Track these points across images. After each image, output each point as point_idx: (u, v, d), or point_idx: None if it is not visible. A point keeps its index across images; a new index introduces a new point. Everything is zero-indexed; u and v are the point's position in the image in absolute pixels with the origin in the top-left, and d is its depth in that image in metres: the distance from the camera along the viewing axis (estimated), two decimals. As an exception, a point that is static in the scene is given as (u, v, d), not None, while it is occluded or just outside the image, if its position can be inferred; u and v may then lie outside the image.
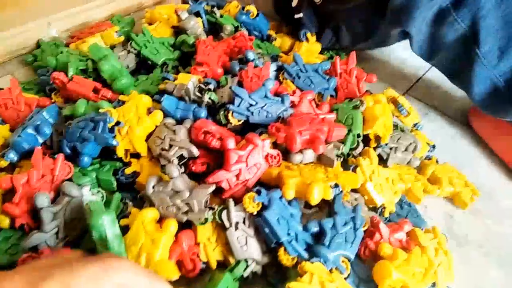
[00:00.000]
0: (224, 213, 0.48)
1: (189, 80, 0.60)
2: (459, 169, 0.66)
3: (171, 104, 0.58)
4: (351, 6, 0.75)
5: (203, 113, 0.57)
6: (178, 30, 0.79)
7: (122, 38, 0.74)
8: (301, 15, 0.80)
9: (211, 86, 0.61)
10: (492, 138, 0.73)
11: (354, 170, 0.56)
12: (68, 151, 0.54)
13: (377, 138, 0.60)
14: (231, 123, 0.57)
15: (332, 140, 0.56)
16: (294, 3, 0.81)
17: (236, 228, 0.48)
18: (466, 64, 0.65)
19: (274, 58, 0.76)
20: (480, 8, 0.60)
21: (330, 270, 0.46)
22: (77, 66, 0.64)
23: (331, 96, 0.68)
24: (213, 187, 0.49)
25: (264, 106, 0.57)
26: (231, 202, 0.48)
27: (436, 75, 0.88)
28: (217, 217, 0.48)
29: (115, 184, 0.54)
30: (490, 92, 0.65)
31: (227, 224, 0.48)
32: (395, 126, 0.65)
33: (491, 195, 0.65)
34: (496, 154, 0.71)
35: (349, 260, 0.48)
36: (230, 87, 0.57)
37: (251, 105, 0.57)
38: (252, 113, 0.57)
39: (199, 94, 0.59)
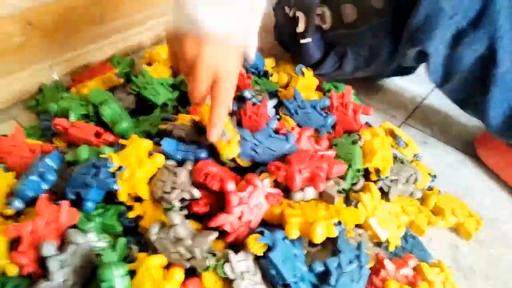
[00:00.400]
0: (227, 266, 0.48)
1: (188, 121, 0.61)
2: (460, 198, 0.67)
3: (171, 146, 0.59)
4: (365, 28, 0.75)
5: (203, 154, 0.58)
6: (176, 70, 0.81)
7: (122, 80, 0.75)
8: (309, 40, 0.81)
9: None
10: (501, 167, 0.73)
11: (356, 206, 0.57)
12: (72, 197, 0.55)
13: (377, 171, 0.61)
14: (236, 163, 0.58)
15: (332, 176, 0.57)
16: (300, 29, 0.81)
17: (243, 278, 0.48)
18: (482, 87, 0.66)
19: (273, 94, 0.78)
20: (497, 29, 0.61)
21: (338, 311, 0.46)
22: (78, 111, 0.65)
23: (328, 132, 0.69)
24: (215, 234, 0.50)
25: (269, 145, 0.58)
26: (231, 254, 0.48)
27: (434, 103, 0.90)
28: (219, 271, 0.48)
29: (119, 228, 0.54)
30: (507, 115, 0.66)
31: (231, 276, 0.47)
32: (395, 158, 0.65)
33: (494, 223, 0.65)
34: (504, 182, 0.72)
35: (356, 299, 0.47)
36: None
37: (255, 145, 0.58)
38: (257, 152, 0.58)
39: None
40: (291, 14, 0.82)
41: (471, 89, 0.68)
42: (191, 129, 0.61)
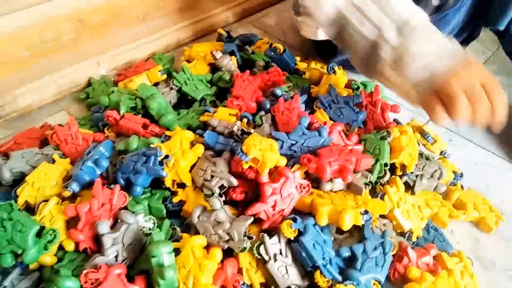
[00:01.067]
0: (261, 248, 0.53)
1: (233, 122, 0.67)
2: (484, 195, 0.69)
3: (212, 139, 0.64)
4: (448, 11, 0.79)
5: (239, 147, 0.63)
6: (214, 66, 0.86)
7: (165, 76, 0.81)
8: None
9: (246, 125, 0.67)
10: None
11: (382, 198, 0.61)
12: (122, 182, 0.61)
13: (403, 167, 0.64)
14: None
15: (360, 169, 0.61)
16: None
17: (275, 259, 0.52)
18: None
19: (306, 90, 0.82)
20: None
21: (363, 292, 0.50)
22: (127, 105, 0.72)
23: (359, 127, 0.73)
24: (251, 219, 0.55)
25: (304, 142, 0.62)
26: (266, 237, 0.53)
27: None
28: (255, 252, 0.53)
29: (164, 211, 0.60)
30: None
31: (266, 257, 0.52)
32: (421, 155, 0.68)
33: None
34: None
35: (379, 283, 0.52)
36: (270, 134, 0.63)
37: (292, 144, 0.62)
38: (295, 151, 0.62)
39: (239, 135, 0.65)
40: None
41: None
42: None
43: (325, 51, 0.94)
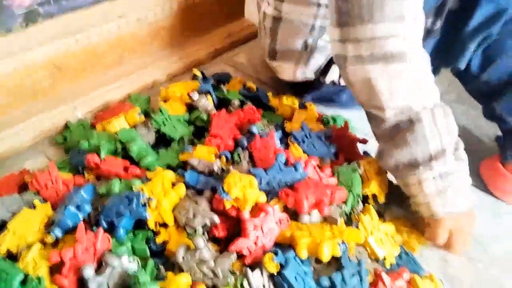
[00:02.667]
0: (245, 283, 0.55)
1: (212, 160, 0.70)
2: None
3: (193, 178, 0.67)
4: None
5: (221, 185, 0.65)
6: (191, 106, 0.89)
7: (143, 118, 0.84)
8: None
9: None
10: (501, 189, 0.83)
11: (357, 227, 0.64)
12: (105, 225, 0.62)
13: (374, 197, 0.69)
14: None
15: (335, 201, 0.64)
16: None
17: (259, 293, 0.55)
18: None
19: (280, 126, 0.86)
20: None
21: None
22: (108, 148, 0.73)
23: (331, 160, 0.77)
24: (234, 256, 0.57)
25: (281, 177, 0.66)
26: (249, 272, 0.55)
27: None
28: (239, 287, 0.55)
29: (148, 252, 0.62)
30: None
31: None
32: (391, 184, 0.73)
33: (480, 241, 0.72)
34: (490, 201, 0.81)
35: (359, 309, 0.55)
36: (249, 170, 0.66)
37: (270, 180, 0.66)
38: (273, 186, 0.65)
39: (219, 174, 0.68)
40: None
41: None
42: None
43: (300, 88, 0.99)
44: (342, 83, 0.90)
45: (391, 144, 0.65)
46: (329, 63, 0.91)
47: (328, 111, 0.94)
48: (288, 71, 0.95)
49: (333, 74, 0.93)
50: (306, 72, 0.93)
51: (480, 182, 0.86)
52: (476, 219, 0.69)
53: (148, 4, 1.01)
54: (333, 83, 0.94)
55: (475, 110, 1.04)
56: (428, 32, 0.83)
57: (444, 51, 0.86)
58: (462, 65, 0.83)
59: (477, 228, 0.74)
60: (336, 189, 0.64)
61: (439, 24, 0.82)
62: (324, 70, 0.93)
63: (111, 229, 0.62)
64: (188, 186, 0.67)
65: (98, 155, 0.72)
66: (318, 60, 0.91)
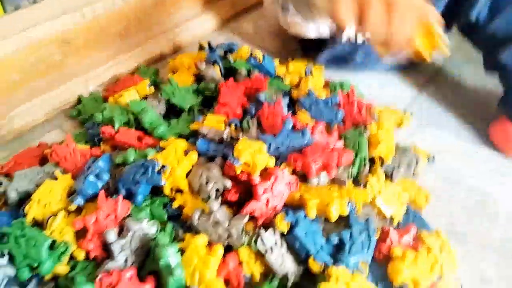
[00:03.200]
0: (259, 242, 0.58)
1: (222, 128, 0.73)
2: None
3: (204, 146, 0.69)
4: None
5: (232, 153, 0.68)
6: (199, 76, 0.91)
7: (153, 89, 0.86)
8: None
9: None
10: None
11: (364, 187, 0.67)
12: (124, 192, 0.65)
13: (381, 160, 0.71)
14: None
15: (342, 164, 0.67)
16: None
17: (272, 251, 0.58)
18: None
19: (287, 93, 0.87)
20: None
21: (352, 272, 0.56)
22: (121, 120, 0.76)
23: (338, 125, 0.79)
24: (247, 217, 0.60)
25: (289, 143, 0.68)
26: (262, 232, 0.58)
27: (430, 93, 0.99)
28: (253, 246, 0.58)
29: (166, 216, 0.65)
30: None
31: (263, 250, 0.57)
32: (397, 147, 0.75)
33: (486, 199, 0.75)
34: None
35: (366, 263, 0.58)
36: (258, 137, 0.69)
37: (278, 146, 0.68)
38: (281, 152, 0.67)
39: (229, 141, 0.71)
40: None
41: None
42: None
43: (310, 49, 0.99)
44: (359, 40, 0.90)
45: None
46: None
47: (337, 76, 0.95)
48: (301, 26, 0.94)
49: (350, 30, 0.92)
50: (320, 27, 0.92)
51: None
52: None
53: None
54: (348, 40, 0.93)
55: (482, 70, 1.05)
56: None
57: (456, 6, 0.86)
58: (472, 17, 0.84)
59: (483, 189, 0.76)
60: (343, 152, 0.66)
61: None
62: None
63: (129, 196, 0.65)
64: (200, 154, 0.70)
65: (112, 126, 0.75)
66: None
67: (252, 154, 0.63)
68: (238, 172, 0.63)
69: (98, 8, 0.93)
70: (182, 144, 0.70)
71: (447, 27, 0.95)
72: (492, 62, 0.87)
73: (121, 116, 0.76)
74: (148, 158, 0.67)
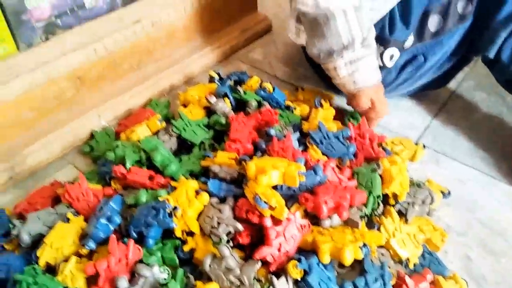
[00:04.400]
0: None
1: (234, 166, 0.72)
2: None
3: (216, 186, 0.69)
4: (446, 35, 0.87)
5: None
6: (209, 109, 0.91)
7: (164, 124, 0.86)
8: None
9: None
10: None
11: (378, 229, 0.65)
12: (135, 235, 0.65)
13: (395, 196, 0.69)
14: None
15: (355, 205, 0.65)
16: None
17: (285, 299, 0.57)
18: None
19: (297, 126, 0.87)
20: None
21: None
22: (133, 159, 0.76)
23: (350, 160, 0.78)
24: (259, 264, 0.59)
25: (303, 182, 0.66)
26: (275, 279, 0.57)
27: (443, 121, 0.97)
28: None
29: (177, 260, 0.64)
30: None
31: None
32: (411, 182, 0.74)
33: (504, 233, 0.72)
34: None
35: (382, 312, 0.56)
36: None
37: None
38: (294, 190, 0.66)
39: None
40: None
41: None
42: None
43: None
44: (379, 62, 0.90)
45: (313, 36, 0.80)
46: None
47: (343, 102, 0.94)
48: None
49: None
50: None
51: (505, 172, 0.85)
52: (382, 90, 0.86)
53: (162, 6, 1.02)
54: None
55: (495, 97, 1.03)
56: (460, 18, 0.83)
57: (474, 39, 0.86)
58: (491, 54, 0.83)
59: (499, 221, 0.74)
60: (356, 193, 0.65)
61: (470, 8, 0.82)
62: None
63: (140, 239, 0.65)
64: (211, 194, 0.69)
65: (124, 165, 0.75)
66: None
67: (277, 196, 0.62)
68: (267, 214, 0.62)
69: (109, 43, 0.93)
70: (193, 184, 0.69)
71: (466, 58, 0.93)
72: None
73: (133, 155, 0.77)
74: (160, 199, 0.67)
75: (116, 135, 0.89)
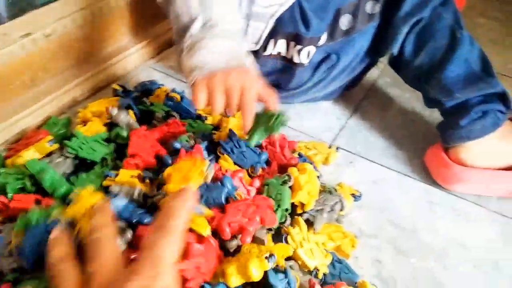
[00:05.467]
0: None
1: (134, 187, 0.65)
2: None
3: (119, 207, 0.61)
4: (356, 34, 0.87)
5: (146, 219, 0.60)
6: (112, 124, 0.84)
7: (56, 146, 0.77)
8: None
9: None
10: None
11: (285, 240, 0.62)
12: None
13: (303, 205, 0.67)
14: None
15: (266, 225, 0.62)
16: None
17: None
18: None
19: (206, 136, 0.82)
20: None
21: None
22: (14, 187, 0.67)
23: (263, 168, 0.74)
24: None
25: (208, 195, 0.63)
26: None
27: (358, 120, 0.98)
28: None
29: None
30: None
31: None
32: (324, 188, 0.72)
33: (415, 231, 0.72)
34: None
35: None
36: None
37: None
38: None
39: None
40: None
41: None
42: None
43: None
44: (297, 59, 0.87)
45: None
46: (273, 33, 0.87)
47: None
48: None
49: (279, 46, 0.89)
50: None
51: (423, 171, 0.86)
52: (252, 75, 0.69)
53: (55, 16, 0.93)
54: (277, 55, 0.90)
55: (410, 93, 1.05)
56: (368, 17, 0.84)
57: (380, 38, 0.87)
58: (395, 50, 0.85)
59: (411, 220, 0.74)
60: (266, 215, 0.61)
61: (378, 8, 0.84)
62: (266, 42, 0.88)
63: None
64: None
65: (5, 195, 0.66)
66: (256, 29, 0.86)
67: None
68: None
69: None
70: (95, 199, 0.61)
71: (373, 60, 0.96)
72: (426, 98, 0.89)
73: (15, 182, 0.68)
74: (52, 217, 0.57)
75: (4, 161, 0.80)
